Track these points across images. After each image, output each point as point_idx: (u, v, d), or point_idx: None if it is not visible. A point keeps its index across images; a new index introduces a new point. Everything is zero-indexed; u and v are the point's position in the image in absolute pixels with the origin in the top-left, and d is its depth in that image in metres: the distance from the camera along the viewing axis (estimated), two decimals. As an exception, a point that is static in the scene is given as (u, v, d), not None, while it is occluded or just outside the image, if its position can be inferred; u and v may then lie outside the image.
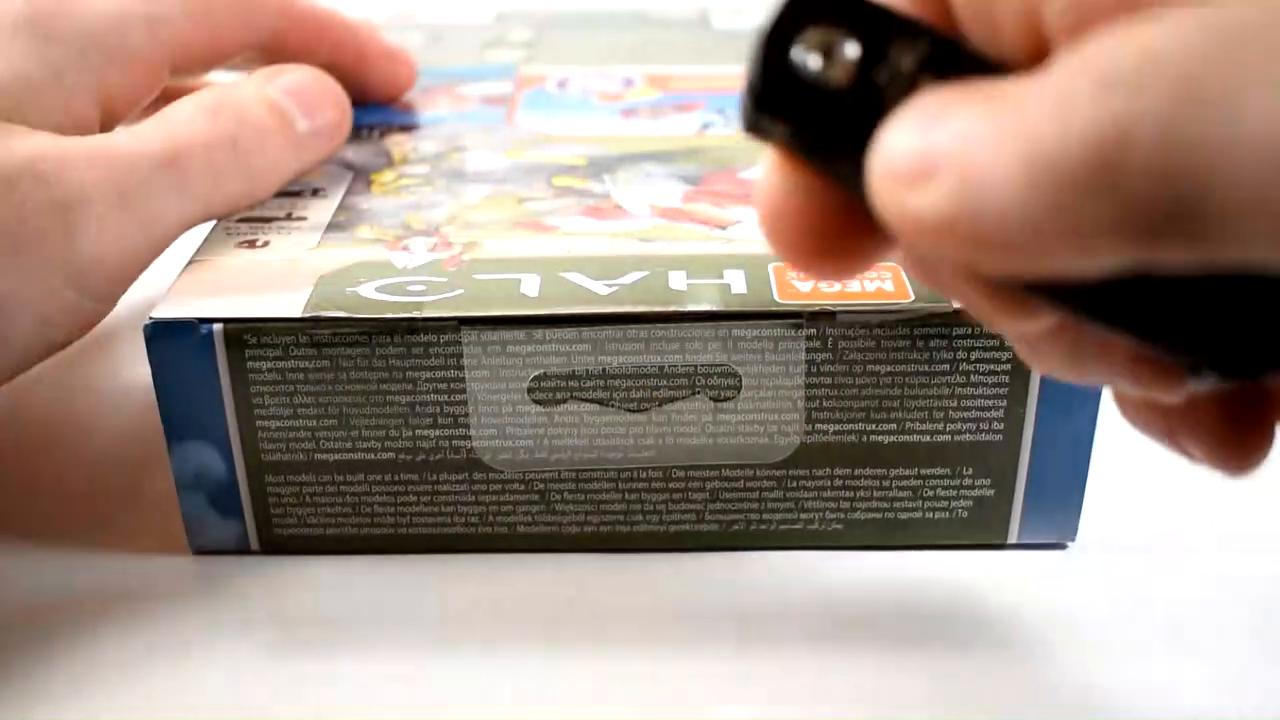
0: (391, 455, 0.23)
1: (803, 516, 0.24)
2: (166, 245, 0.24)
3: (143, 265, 0.24)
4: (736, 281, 0.23)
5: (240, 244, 0.24)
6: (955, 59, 0.13)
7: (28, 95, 0.23)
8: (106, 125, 0.25)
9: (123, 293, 0.23)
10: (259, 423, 0.22)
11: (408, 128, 0.31)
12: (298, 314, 0.22)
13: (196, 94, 0.25)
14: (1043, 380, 0.22)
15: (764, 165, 0.15)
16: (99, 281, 0.23)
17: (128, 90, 0.25)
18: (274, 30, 0.29)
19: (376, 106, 0.33)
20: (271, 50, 0.29)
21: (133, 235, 0.23)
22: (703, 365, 0.22)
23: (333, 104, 0.28)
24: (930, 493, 0.23)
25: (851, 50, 0.13)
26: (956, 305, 0.22)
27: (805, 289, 0.22)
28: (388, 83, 0.32)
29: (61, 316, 0.22)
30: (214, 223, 0.26)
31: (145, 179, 0.23)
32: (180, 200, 0.23)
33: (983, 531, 0.24)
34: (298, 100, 0.27)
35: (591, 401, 0.22)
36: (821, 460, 0.23)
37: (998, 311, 0.14)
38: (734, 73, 0.36)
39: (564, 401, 0.22)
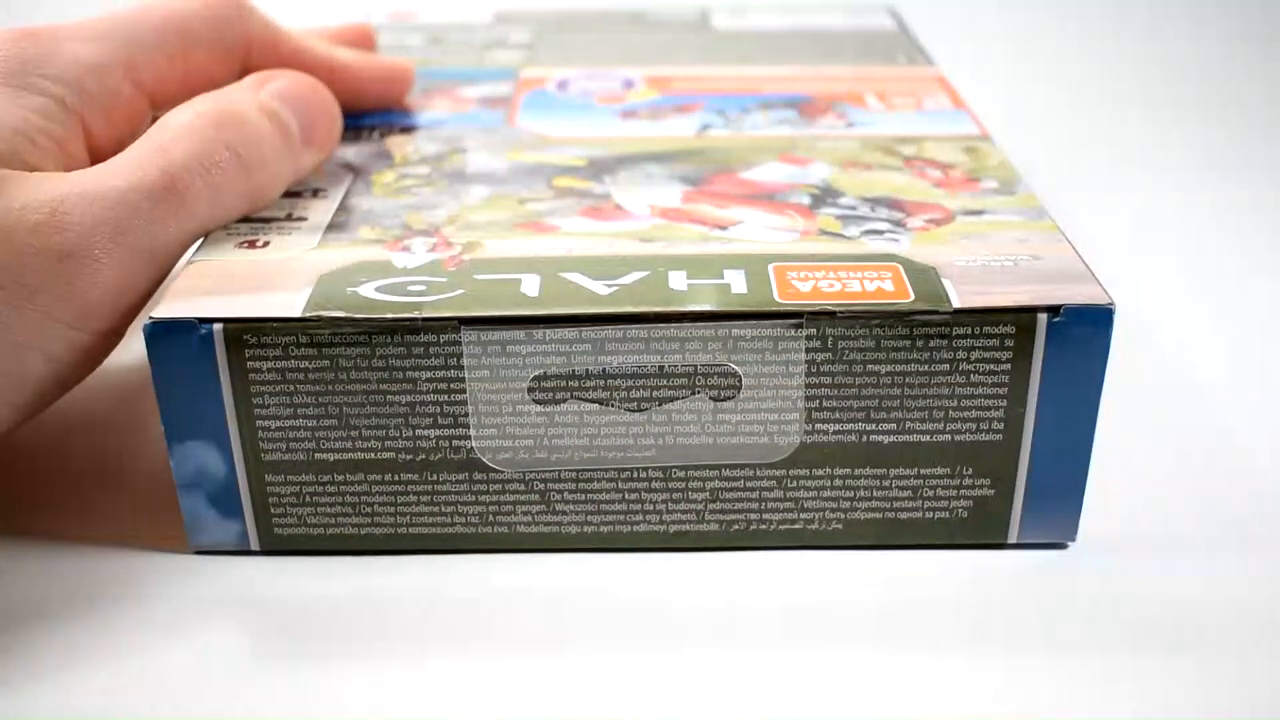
0: (391, 455, 0.23)
1: (802, 516, 0.24)
2: (171, 268, 0.24)
3: (148, 295, 0.24)
4: (736, 281, 0.23)
5: (240, 244, 0.24)
6: None
7: (17, 140, 0.23)
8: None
9: (131, 322, 0.23)
10: (259, 422, 0.22)
11: (408, 129, 0.31)
12: (298, 314, 0.22)
13: (195, 102, 0.25)
14: (1043, 380, 0.22)
15: None
16: (105, 321, 0.23)
17: (111, 133, 0.25)
18: (251, 67, 0.29)
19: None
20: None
21: (135, 271, 0.23)
22: (703, 365, 0.22)
23: (324, 111, 0.28)
24: (930, 493, 0.23)
25: None
26: (957, 304, 0.22)
27: (805, 289, 0.22)
28: (380, 104, 0.32)
29: (71, 356, 0.23)
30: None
31: (144, 214, 0.23)
32: (180, 226, 0.23)
33: (983, 531, 0.24)
34: (292, 107, 0.26)
35: (592, 401, 0.22)
36: (821, 460, 0.23)
37: None
38: (734, 74, 0.36)
39: (564, 401, 0.22)
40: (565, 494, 0.23)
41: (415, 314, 0.22)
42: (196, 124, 0.24)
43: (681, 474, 0.23)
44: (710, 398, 0.22)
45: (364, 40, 0.34)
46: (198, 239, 0.24)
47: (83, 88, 0.24)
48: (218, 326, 0.22)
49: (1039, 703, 0.20)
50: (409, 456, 0.23)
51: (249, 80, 0.27)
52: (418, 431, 0.23)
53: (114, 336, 0.23)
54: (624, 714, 0.20)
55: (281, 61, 0.29)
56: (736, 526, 0.24)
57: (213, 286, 0.23)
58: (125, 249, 0.22)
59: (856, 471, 0.23)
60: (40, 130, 0.23)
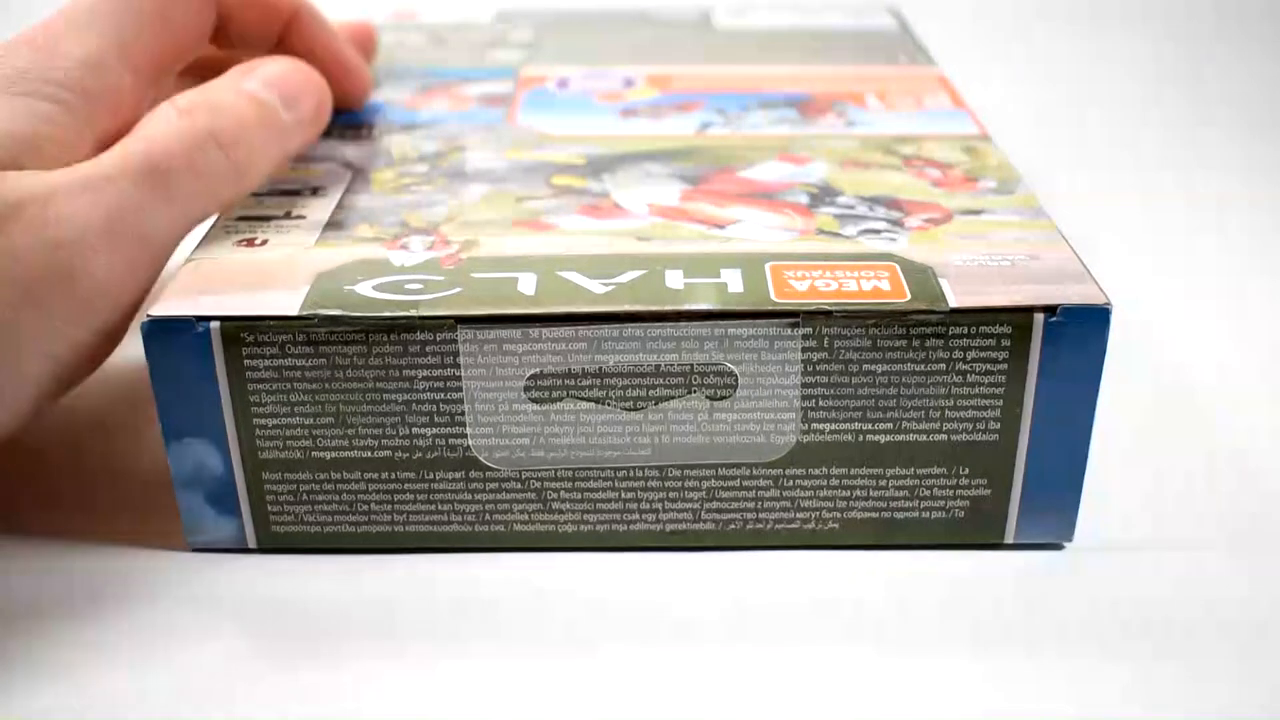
0: (388, 453, 0.23)
1: (799, 516, 0.24)
2: (166, 259, 0.24)
3: (146, 287, 0.23)
4: (733, 280, 0.23)
5: (238, 242, 0.24)
6: None
7: (21, 148, 0.23)
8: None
9: (133, 317, 0.23)
10: (256, 420, 0.22)
11: (408, 127, 0.31)
12: (295, 312, 0.22)
13: (173, 98, 0.25)
14: (1039, 380, 0.22)
15: None
16: (105, 315, 0.23)
17: (118, 123, 0.25)
18: (223, 15, 0.28)
19: (377, 106, 0.33)
20: (224, 35, 0.29)
21: (130, 260, 0.23)
22: (699, 364, 0.22)
23: (312, 89, 0.28)
24: (926, 492, 0.23)
25: None
26: (954, 304, 0.22)
27: (802, 288, 0.22)
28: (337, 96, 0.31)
29: (70, 355, 0.22)
30: (212, 221, 0.26)
31: (132, 200, 0.23)
32: (170, 212, 0.23)
33: (979, 531, 0.24)
34: (278, 90, 0.27)
35: (588, 400, 0.22)
36: (818, 459, 0.23)
37: None
38: (734, 73, 0.36)
39: (560, 400, 0.22)
40: (562, 493, 0.23)
41: (412, 313, 0.22)
42: (173, 114, 0.24)
43: (678, 473, 0.23)
44: (707, 397, 0.22)
45: (365, 38, 0.34)
46: (189, 226, 0.24)
47: (85, 89, 0.24)
48: (214, 324, 0.22)
49: (1035, 703, 0.20)
50: (406, 455, 0.23)
51: (232, 71, 0.27)
52: (414, 430, 0.23)
53: (113, 336, 0.23)
54: (621, 713, 0.20)
55: (250, 5, 0.29)
56: (733, 526, 0.24)
57: (210, 284, 0.23)
58: (118, 237, 0.22)
59: (853, 471, 0.23)
60: (44, 137, 0.23)
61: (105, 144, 0.25)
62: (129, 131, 0.25)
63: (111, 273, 0.22)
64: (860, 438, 0.23)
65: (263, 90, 0.26)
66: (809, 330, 0.22)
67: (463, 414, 0.22)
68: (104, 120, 0.25)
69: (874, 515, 0.24)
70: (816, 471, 0.23)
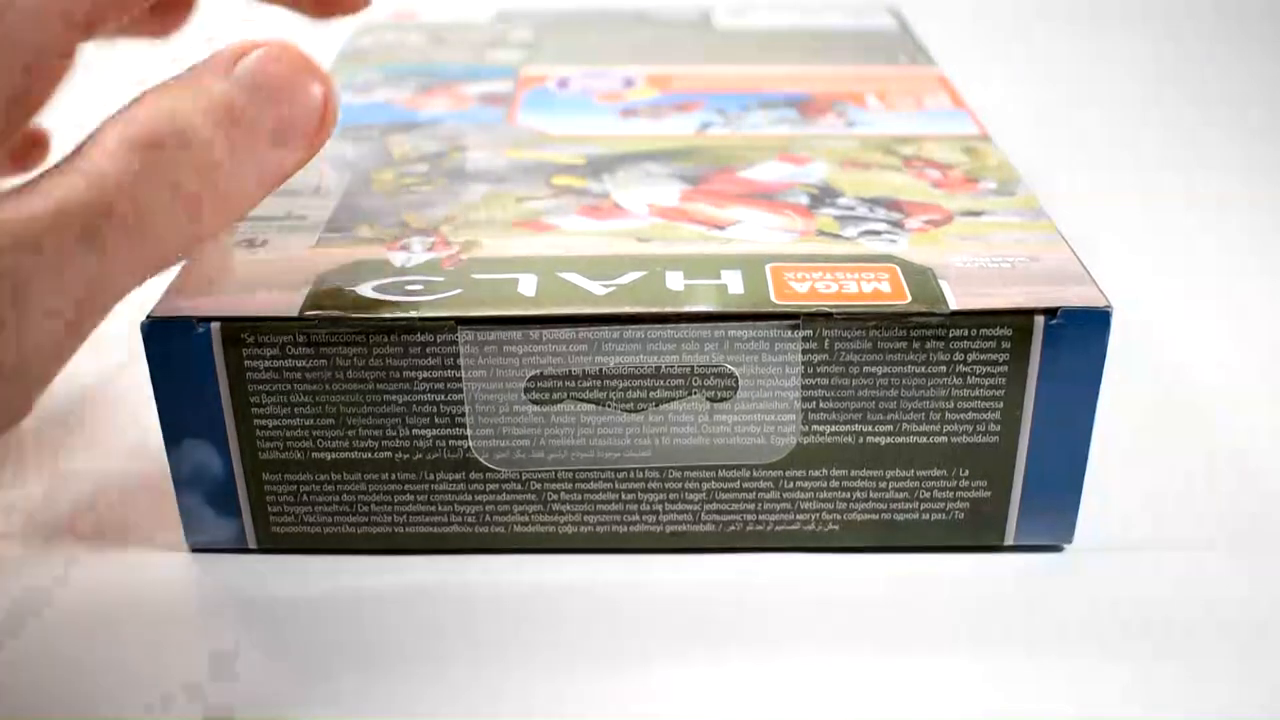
0: (388, 454, 0.23)
1: (799, 517, 0.24)
2: (98, 323, 0.19)
3: (67, 357, 0.19)
4: (734, 282, 0.23)
5: (238, 242, 0.24)
6: None
7: None
8: (16, 123, 0.19)
9: (44, 389, 0.19)
10: (256, 421, 0.22)
11: (408, 127, 0.31)
12: (294, 313, 0.22)
13: (124, 118, 0.19)
14: (1039, 382, 0.22)
15: None
16: (13, 393, 0.18)
17: (46, 86, 0.20)
18: None
19: (377, 106, 0.33)
20: None
21: (47, 335, 0.18)
22: (699, 366, 0.22)
23: (304, 99, 0.20)
24: (926, 494, 0.23)
25: None
26: (954, 306, 0.22)
27: (802, 290, 0.22)
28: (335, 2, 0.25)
29: None
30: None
31: (66, 257, 0.18)
32: (111, 272, 0.18)
33: (979, 533, 0.24)
34: (265, 96, 0.20)
35: (588, 402, 0.22)
36: (818, 461, 0.23)
37: None
38: (734, 73, 0.36)
39: (560, 401, 0.22)
40: (562, 494, 0.23)
41: (412, 314, 0.22)
42: (123, 149, 0.19)
43: (678, 474, 0.23)
44: (707, 398, 0.22)
45: None
46: (129, 287, 0.19)
47: (19, 48, 0.19)
48: (215, 325, 0.22)
49: (1035, 703, 0.20)
50: (406, 456, 0.23)
51: (221, 58, 0.20)
52: (414, 431, 0.23)
53: (21, 412, 0.19)
54: (621, 713, 0.20)
55: None
56: (733, 527, 0.24)
57: (210, 285, 0.23)
58: (44, 302, 0.18)
59: (853, 473, 0.23)
60: None
61: (18, 107, 0.20)
62: (51, 92, 0.20)
63: (22, 352, 0.18)
64: (860, 439, 0.23)
65: (250, 101, 0.20)
66: (809, 332, 0.22)
67: (463, 415, 0.22)
68: (25, 83, 0.20)
69: (874, 517, 0.24)
70: (817, 473, 0.23)
